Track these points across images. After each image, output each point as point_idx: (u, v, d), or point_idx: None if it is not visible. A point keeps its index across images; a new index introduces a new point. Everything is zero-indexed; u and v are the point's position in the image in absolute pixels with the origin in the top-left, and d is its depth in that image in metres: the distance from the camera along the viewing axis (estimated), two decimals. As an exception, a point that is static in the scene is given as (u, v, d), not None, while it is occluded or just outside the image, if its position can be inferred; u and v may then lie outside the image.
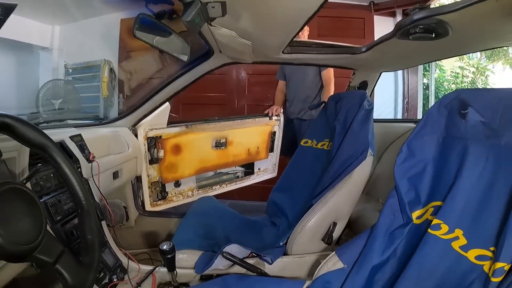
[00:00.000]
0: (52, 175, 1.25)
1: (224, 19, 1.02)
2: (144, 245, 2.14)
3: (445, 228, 0.90)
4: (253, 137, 2.67)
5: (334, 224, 1.53)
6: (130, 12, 4.04)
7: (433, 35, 1.10)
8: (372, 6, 4.01)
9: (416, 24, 1.08)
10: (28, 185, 1.00)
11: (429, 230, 0.93)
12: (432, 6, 3.71)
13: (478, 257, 0.82)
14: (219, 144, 2.46)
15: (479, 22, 1.01)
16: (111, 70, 4.16)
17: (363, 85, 2.08)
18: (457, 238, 0.87)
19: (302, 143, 2.05)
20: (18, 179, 1.01)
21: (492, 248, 0.80)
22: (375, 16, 4.06)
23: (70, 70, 4.30)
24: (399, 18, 4.02)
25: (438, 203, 0.98)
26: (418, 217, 1.03)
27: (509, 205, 0.79)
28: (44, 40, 4.34)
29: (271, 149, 2.87)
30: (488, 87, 6.24)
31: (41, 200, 0.95)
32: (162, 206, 2.31)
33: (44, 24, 4.28)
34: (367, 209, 2.08)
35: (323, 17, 3.86)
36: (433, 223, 0.93)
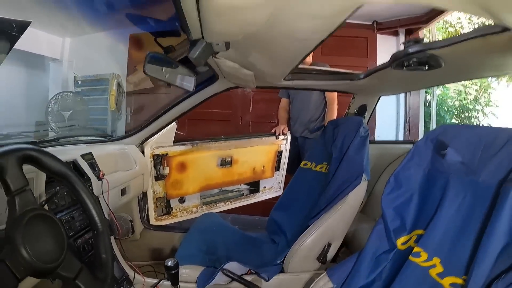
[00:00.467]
0: (65, 193, 1.34)
1: (228, 52, 1.09)
2: (148, 258, 2.22)
3: (424, 255, 0.97)
4: (259, 156, 2.70)
5: (329, 244, 1.60)
6: (138, 28, 4.13)
7: (426, 67, 1.13)
8: (375, 25, 4.04)
9: (409, 57, 1.12)
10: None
11: (410, 257, 1.00)
12: (435, 23, 3.80)
13: (452, 285, 0.88)
14: (225, 163, 2.50)
15: (470, 56, 1.05)
16: (119, 84, 4.24)
17: (362, 109, 2.14)
18: (434, 266, 0.93)
19: (302, 165, 2.13)
20: (37, 200, 1.11)
21: (464, 277, 0.86)
22: (378, 35, 4.09)
23: (79, 82, 4.38)
24: (401, 37, 4.08)
25: (420, 231, 1.05)
26: (403, 243, 1.09)
27: (480, 237, 0.86)
28: (55, 51, 4.42)
29: (277, 168, 2.88)
30: (491, 104, 6.27)
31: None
32: (166, 221, 2.38)
33: (55, 36, 4.36)
34: (364, 229, 2.13)
35: (326, 37, 3.91)
36: (414, 250, 1.00)
